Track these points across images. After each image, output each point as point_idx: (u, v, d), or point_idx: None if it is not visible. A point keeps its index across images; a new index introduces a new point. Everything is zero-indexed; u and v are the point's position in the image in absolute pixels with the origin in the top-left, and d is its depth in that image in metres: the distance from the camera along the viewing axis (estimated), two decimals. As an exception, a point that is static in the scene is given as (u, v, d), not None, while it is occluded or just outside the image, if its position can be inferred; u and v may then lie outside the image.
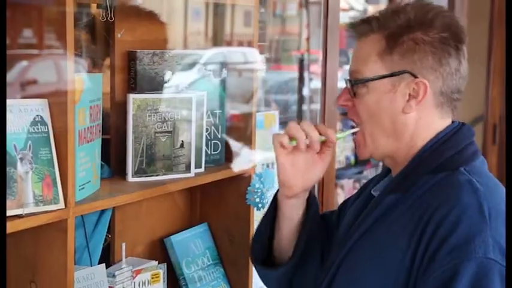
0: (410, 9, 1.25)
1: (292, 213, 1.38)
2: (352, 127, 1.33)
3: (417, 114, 1.25)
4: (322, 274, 1.34)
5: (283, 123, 3.09)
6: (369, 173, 3.31)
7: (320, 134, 1.30)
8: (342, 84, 1.36)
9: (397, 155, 1.28)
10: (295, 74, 3.41)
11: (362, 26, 1.28)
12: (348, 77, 1.29)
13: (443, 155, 1.24)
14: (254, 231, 1.47)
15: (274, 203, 1.41)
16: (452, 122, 1.30)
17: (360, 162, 3.32)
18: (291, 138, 1.30)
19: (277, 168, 1.35)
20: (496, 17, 3.87)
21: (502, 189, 1.25)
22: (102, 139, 1.57)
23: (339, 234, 1.37)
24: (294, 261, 1.38)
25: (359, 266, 1.26)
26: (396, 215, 1.24)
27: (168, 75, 1.72)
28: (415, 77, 1.23)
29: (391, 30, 1.24)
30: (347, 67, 1.39)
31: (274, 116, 2.34)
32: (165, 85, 1.72)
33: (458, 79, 1.26)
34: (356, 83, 1.26)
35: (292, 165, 1.32)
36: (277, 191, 1.40)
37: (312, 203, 1.40)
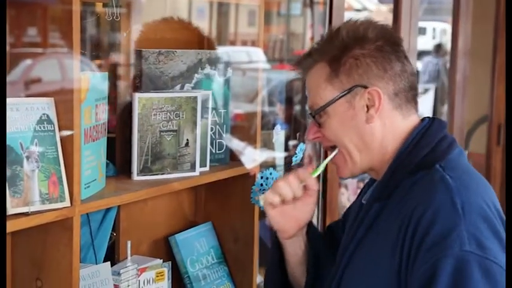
0: (342, 30, 1.31)
1: (295, 249, 1.45)
2: (326, 152, 1.38)
3: (381, 121, 1.29)
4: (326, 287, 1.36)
5: (288, 122, 3.10)
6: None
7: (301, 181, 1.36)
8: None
9: (374, 165, 1.33)
10: (299, 73, 3.41)
11: (305, 61, 1.34)
12: (309, 112, 1.35)
13: (418, 155, 1.28)
14: (264, 274, 1.52)
15: (276, 243, 1.46)
16: (422, 119, 1.34)
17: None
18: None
19: (269, 220, 1.41)
20: (501, 17, 3.86)
21: (479, 183, 1.27)
22: (108, 138, 1.58)
23: (341, 245, 1.40)
24: None
25: (357, 277, 1.30)
26: (383, 222, 1.27)
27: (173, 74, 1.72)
28: (366, 87, 1.28)
29: (331, 55, 1.30)
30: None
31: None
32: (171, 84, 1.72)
33: (407, 78, 1.31)
34: (316, 113, 1.32)
35: (283, 215, 1.39)
36: (276, 233, 1.46)
37: (309, 230, 1.45)
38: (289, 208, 1.38)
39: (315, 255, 1.43)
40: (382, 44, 1.29)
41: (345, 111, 1.29)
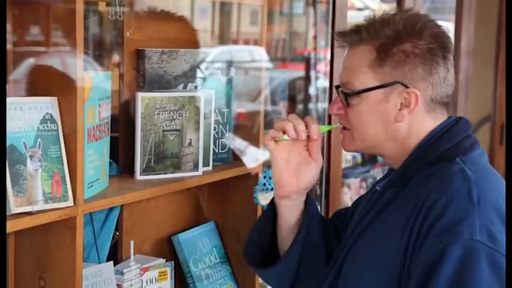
0: (399, 20, 1.27)
1: (288, 215, 1.42)
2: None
3: (409, 121, 1.28)
4: (327, 271, 1.35)
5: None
6: (377, 173, 3.30)
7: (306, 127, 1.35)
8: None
9: (389, 153, 1.32)
10: (301, 72, 3.41)
11: (351, 36, 1.30)
12: (340, 88, 1.32)
13: (440, 148, 1.27)
14: (248, 235, 1.50)
15: (272, 204, 1.44)
16: (449, 117, 1.33)
17: (367, 161, 3.32)
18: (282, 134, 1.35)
19: (272, 166, 1.39)
20: (504, 17, 3.86)
21: (498, 181, 1.27)
22: (111, 137, 1.58)
23: (348, 228, 1.40)
24: (288, 259, 1.40)
25: (360, 260, 1.29)
26: (394, 208, 1.27)
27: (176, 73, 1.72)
28: (407, 87, 1.26)
29: (381, 42, 1.27)
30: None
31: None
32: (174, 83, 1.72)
33: (447, 86, 1.30)
34: (350, 94, 1.29)
35: (285, 162, 1.37)
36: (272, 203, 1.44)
37: (309, 205, 1.43)
38: (292, 156, 1.36)
39: (307, 223, 1.41)
40: (435, 47, 1.26)
41: (378, 102, 1.27)
